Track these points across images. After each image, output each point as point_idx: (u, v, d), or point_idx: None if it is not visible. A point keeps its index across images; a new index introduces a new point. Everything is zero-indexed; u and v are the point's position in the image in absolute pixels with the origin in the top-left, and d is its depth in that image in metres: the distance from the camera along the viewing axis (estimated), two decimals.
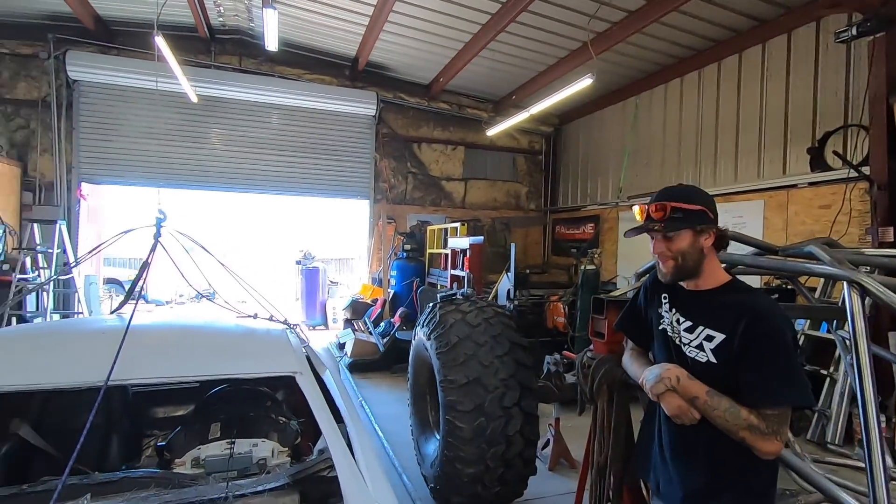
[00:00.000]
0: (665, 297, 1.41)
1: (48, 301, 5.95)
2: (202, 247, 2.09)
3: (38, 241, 5.78)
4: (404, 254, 7.83)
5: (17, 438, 2.18)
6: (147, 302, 13.93)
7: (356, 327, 7.05)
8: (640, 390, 1.42)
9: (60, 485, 1.27)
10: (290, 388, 2.55)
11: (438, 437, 2.80)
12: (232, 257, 12.49)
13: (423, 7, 5.72)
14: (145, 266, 2.02)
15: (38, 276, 5.87)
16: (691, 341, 1.30)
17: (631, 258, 7.04)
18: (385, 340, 6.23)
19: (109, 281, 10.93)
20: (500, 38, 6.08)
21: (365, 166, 8.40)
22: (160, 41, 4.68)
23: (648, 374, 1.30)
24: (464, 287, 5.28)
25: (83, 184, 6.98)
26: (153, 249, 2.01)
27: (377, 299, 7.80)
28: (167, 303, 13.97)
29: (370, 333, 6.66)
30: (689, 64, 6.39)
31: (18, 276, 5.47)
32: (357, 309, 7.72)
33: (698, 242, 1.28)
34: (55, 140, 6.70)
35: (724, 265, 1.50)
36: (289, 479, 1.53)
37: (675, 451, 1.35)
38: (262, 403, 2.30)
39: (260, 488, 1.49)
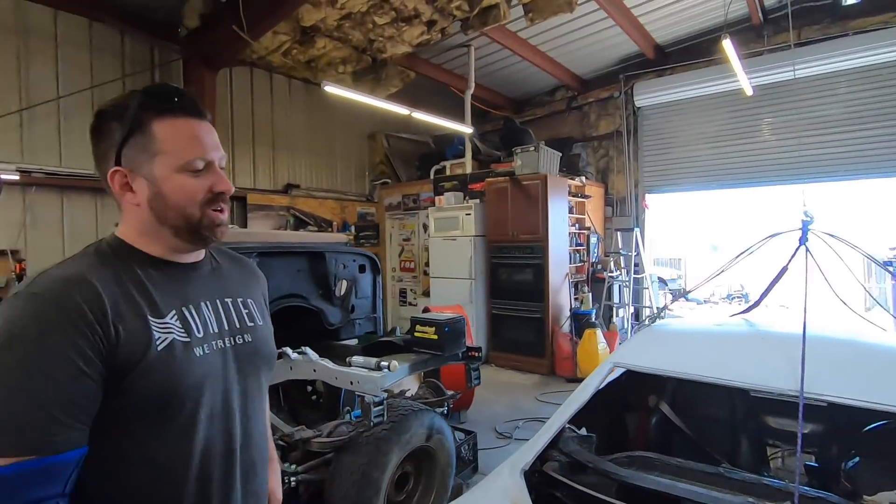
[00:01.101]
0: None
1: (627, 296, 7.23)
2: (859, 249, 1.80)
3: (620, 246, 7.11)
4: None
5: (660, 413, 2.62)
6: (687, 300, 14.73)
7: None
8: None
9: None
10: None
11: None
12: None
13: None
14: (783, 271, 1.95)
15: (619, 274, 7.22)
16: None
17: None
18: None
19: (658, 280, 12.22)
20: None
21: None
22: (727, 44, 4.69)
23: None
24: None
25: (646, 195, 8.07)
26: (794, 254, 1.90)
27: None
28: (704, 302, 14.23)
29: None
30: None
31: (608, 274, 6.94)
32: None
33: None
34: (626, 161, 8.07)
35: None
36: None
37: None
38: None
39: None
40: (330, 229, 7.68)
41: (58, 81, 5.26)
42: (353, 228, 8.18)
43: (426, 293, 7.67)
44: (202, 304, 0.94)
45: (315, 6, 5.15)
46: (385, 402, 2.14)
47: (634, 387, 2.60)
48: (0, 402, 0.69)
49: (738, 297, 14.23)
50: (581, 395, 1.88)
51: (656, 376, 2.18)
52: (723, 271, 2.07)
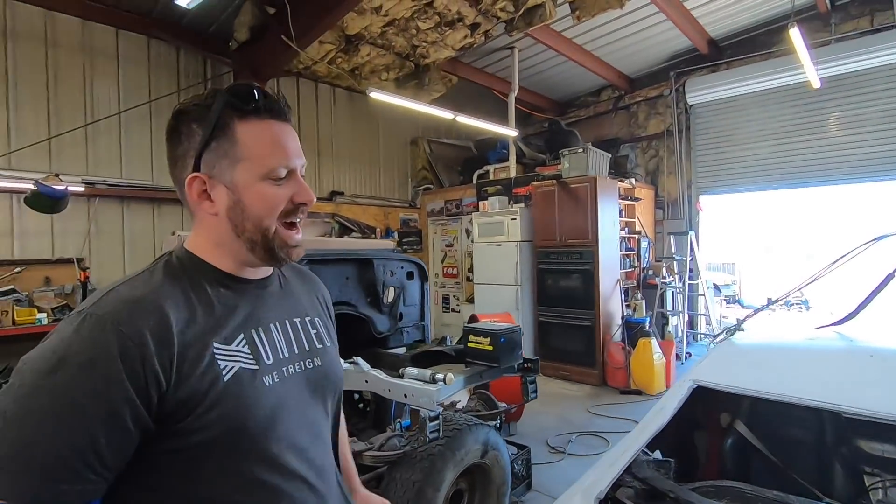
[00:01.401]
0: None
1: (681, 303, 6.87)
2: None
3: (673, 250, 6.77)
4: None
5: (736, 434, 2.40)
6: (743, 307, 13.94)
7: None
8: None
9: None
10: None
11: None
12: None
13: None
14: (889, 278, 1.73)
15: (672, 280, 6.87)
16: None
17: None
18: None
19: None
20: None
21: None
22: (794, 33, 4.37)
23: None
24: None
25: (700, 197, 7.67)
26: None
27: None
28: (761, 308, 13.40)
29: None
30: None
31: (660, 280, 6.61)
32: None
33: None
34: (677, 162, 7.71)
35: None
36: None
37: None
38: None
39: None
40: (373, 236, 7.71)
41: (119, 97, 5.52)
42: (396, 235, 8.18)
43: (470, 300, 7.56)
44: (272, 325, 0.87)
45: (360, 14, 5.19)
46: (441, 416, 2.04)
47: (703, 403, 2.40)
48: (18, 434, 0.61)
49: (798, 305, 13.34)
50: (658, 416, 1.72)
51: (728, 392, 2.00)
52: (818, 277, 1.86)
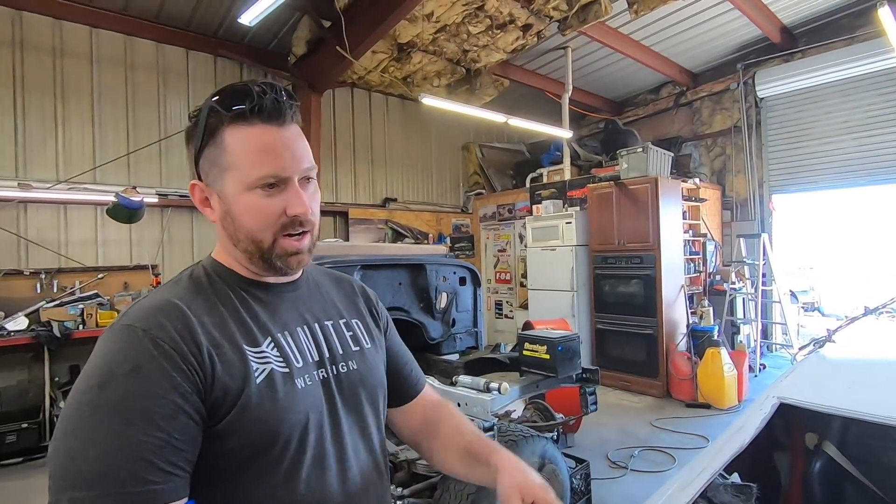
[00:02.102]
0: None
1: (753, 311, 6.39)
2: None
3: (744, 254, 6.31)
4: None
5: (825, 457, 2.16)
6: (823, 315, 12.81)
7: None
8: None
9: None
10: None
11: None
12: None
13: None
14: None
15: (743, 286, 6.41)
16: None
17: None
18: None
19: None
20: None
21: None
22: (884, 13, 3.96)
23: None
24: None
25: (773, 196, 7.13)
26: None
27: None
28: (858, 318, 12.26)
29: None
30: None
31: (729, 286, 6.18)
32: None
33: None
34: (746, 159, 7.21)
35: None
36: None
37: None
38: None
39: None
40: (426, 241, 7.74)
41: (189, 112, 5.88)
42: (448, 240, 8.18)
43: (523, 305, 7.41)
44: (299, 329, 0.84)
45: (411, 22, 5.24)
46: (496, 427, 1.97)
47: (785, 421, 2.18)
48: (97, 450, 0.60)
49: (887, 311, 12.08)
50: (738, 435, 1.57)
51: (816, 411, 1.79)
52: None
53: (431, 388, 1.03)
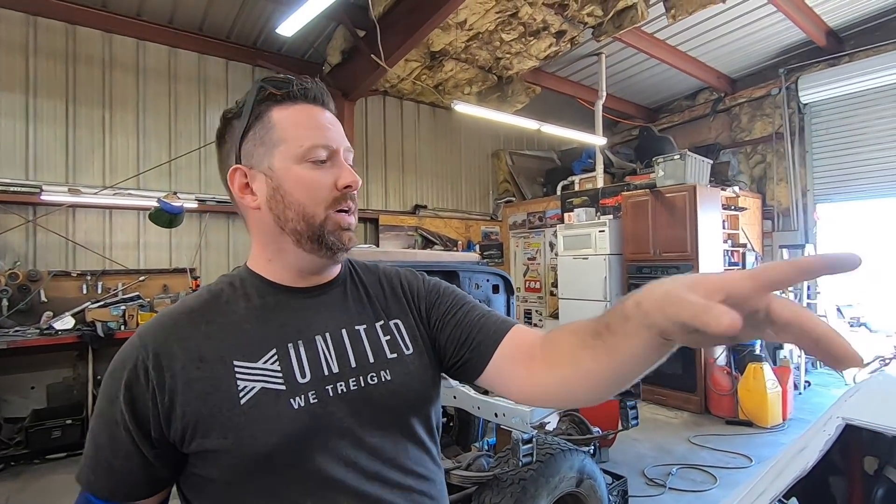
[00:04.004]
0: None
1: None
2: None
3: None
4: None
5: (887, 483, 2.02)
6: (871, 331, 12.14)
7: None
8: None
9: None
10: None
11: None
12: None
13: None
14: None
15: (786, 298, 6.13)
16: None
17: None
18: None
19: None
20: None
21: None
22: None
23: None
24: None
25: (818, 205, 6.83)
26: None
27: None
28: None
29: None
30: None
31: None
32: None
33: None
34: (789, 167, 6.94)
35: None
36: None
37: None
38: None
39: None
40: (455, 248, 7.73)
41: (224, 111, 6.06)
42: (477, 247, 8.14)
43: (553, 315, 7.29)
44: (318, 337, 0.76)
45: (444, 30, 5.27)
46: (535, 439, 1.92)
47: (841, 444, 2.05)
48: (89, 433, 0.72)
49: None
50: (799, 459, 1.47)
51: (875, 432, 1.67)
52: None
53: (527, 327, 0.84)
